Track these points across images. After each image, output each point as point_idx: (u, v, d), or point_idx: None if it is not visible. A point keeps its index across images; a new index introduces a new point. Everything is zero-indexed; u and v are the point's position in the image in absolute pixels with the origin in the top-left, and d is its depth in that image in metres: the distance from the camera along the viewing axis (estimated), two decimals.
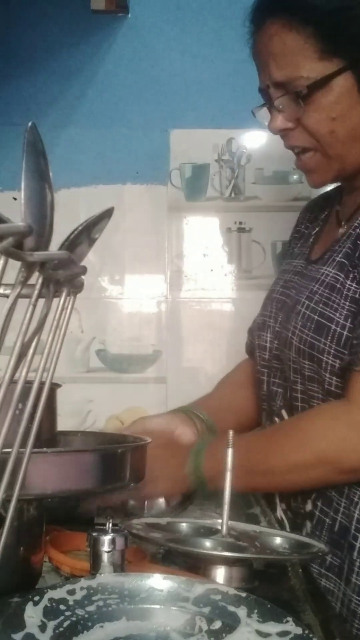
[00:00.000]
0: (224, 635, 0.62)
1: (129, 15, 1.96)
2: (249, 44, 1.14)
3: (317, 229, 1.26)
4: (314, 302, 1.09)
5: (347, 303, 1.06)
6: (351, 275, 1.07)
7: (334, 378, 1.07)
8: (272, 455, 1.08)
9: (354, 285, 1.07)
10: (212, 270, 1.96)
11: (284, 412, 1.19)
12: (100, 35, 1.96)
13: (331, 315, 1.07)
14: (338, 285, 1.08)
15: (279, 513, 1.20)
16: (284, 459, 1.07)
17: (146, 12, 1.97)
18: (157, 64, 1.97)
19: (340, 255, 1.10)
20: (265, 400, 1.23)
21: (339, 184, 1.24)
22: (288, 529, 1.16)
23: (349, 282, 1.07)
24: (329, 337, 1.06)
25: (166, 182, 1.97)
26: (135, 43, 1.97)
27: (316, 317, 1.08)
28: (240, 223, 1.96)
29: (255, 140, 1.96)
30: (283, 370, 1.18)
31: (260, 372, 1.24)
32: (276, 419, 1.20)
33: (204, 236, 1.97)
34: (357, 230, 1.10)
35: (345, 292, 1.07)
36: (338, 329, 1.06)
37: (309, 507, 1.13)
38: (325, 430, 1.05)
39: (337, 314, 1.06)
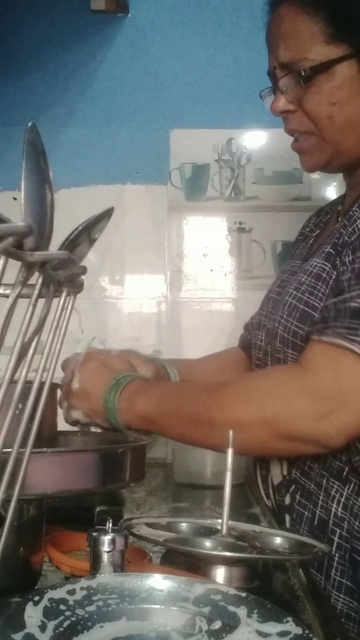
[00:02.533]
0: (224, 635, 0.62)
1: (129, 15, 1.96)
2: (265, 28, 1.13)
3: (318, 231, 1.27)
4: (301, 292, 1.09)
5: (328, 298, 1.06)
6: (337, 264, 1.07)
7: None
8: (216, 408, 1.03)
9: (333, 271, 1.06)
10: (212, 270, 1.96)
11: None
12: (100, 35, 1.97)
13: (315, 304, 1.06)
14: (324, 275, 1.07)
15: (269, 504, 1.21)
16: (226, 413, 1.02)
17: (146, 12, 1.97)
18: (157, 64, 1.97)
19: (329, 247, 1.10)
20: None
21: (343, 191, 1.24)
22: (279, 522, 1.16)
23: (334, 272, 1.07)
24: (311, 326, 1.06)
25: (166, 182, 1.97)
26: (135, 43, 1.97)
27: (301, 306, 1.08)
28: (240, 223, 1.96)
29: (255, 140, 1.96)
30: (267, 363, 1.18)
31: (254, 370, 1.24)
32: None
33: (204, 236, 1.97)
34: (345, 221, 1.10)
35: (330, 282, 1.06)
36: None
37: (287, 500, 1.13)
38: (272, 391, 1.02)
39: (322, 303, 1.05)
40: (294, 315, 1.08)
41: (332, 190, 1.92)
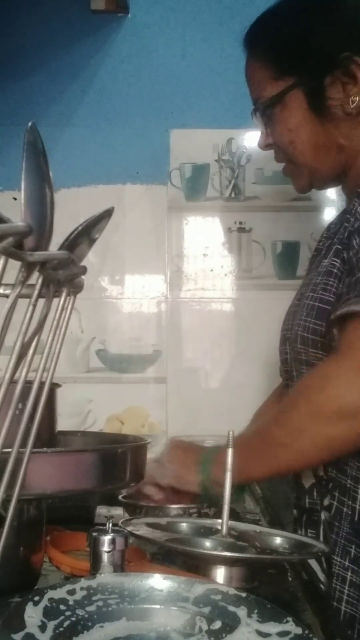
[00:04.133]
0: (224, 635, 0.62)
1: (129, 15, 1.96)
2: None
3: (329, 242, 1.28)
4: (316, 292, 1.13)
5: (343, 286, 1.09)
6: (344, 257, 1.10)
7: None
8: (276, 427, 1.08)
9: (345, 266, 1.10)
10: (212, 270, 1.96)
11: None
12: (100, 35, 1.96)
13: (329, 299, 1.10)
14: (335, 271, 1.11)
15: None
16: (286, 425, 1.07)
17: (146, 12, 1.97)
18: (157, 64, 1.97)
19: (336, 244, 1.14)
20: None
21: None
22: (301, 527, 1.16)
23: (345, 266, 1.10)
24: (328, 320, 1.09)
25: (166, 182, 1.97)
26: (135, 43, 1.97)
27: (317, 304, 1.12)
28: (240, 223, 1.96)
29: (255, 140, 1.95)
30: (292, 370, 1.20)
31: (285, 384, 1.27)
32: None
33: (204, 236, 1.97)
34: (348, 215, 1.14)
35: (341, 276, 1.10)
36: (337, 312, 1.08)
37: (327, 501, 1.13)
38: (318, 384, 1.05)
39: (336, 298, 1.09)
40: (312, 314, 1.12)
41: (331, 190, 1.91)
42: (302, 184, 1.25)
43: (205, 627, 0.64)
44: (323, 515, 1.14)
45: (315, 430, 1.04)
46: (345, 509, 1.10)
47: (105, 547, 0.75)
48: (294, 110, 1.17)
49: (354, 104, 1.12)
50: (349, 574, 1.07)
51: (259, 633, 0.62)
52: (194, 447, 1.21)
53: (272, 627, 0.63)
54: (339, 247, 1.12)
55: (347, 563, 1.07)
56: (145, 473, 1.14)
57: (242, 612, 0.65)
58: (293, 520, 1.21)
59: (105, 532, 0.76)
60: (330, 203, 1.93)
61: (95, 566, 0.75)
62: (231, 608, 0.65)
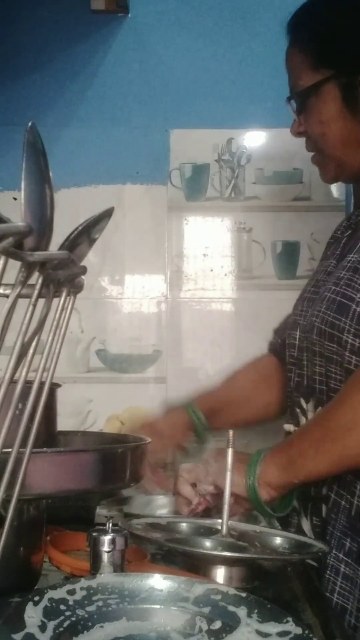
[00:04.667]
0: (224, 635, 0.63)
1: (129, 15, 1.96)
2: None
3: (350, 231, 1.29)
4: (339, 287, 1.14)
5: None
6: None
7: (354, 357, 1.09)
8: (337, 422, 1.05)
9: None
10: (212, 270, 1.96)
11: (302, 401, 1.19)
12: (100, 35, 1.96)
13: (352, 295, 1.11)
14: None
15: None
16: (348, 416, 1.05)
17: (146, 12, 1.96)
18: (157, 64, 1.97)
19: None
20: (289, 395, 1.26)
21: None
22: (307, 515, 1.16)
23: None
24: (349, 316, 1.10)
25: (166, 182, 1.97)
26: (135, 43, 1.97)
27: (339, 298, 1.13)
28: (240, 223, 1.96)
29: (255, 140, 1.95)
30: (302, 359, 1.20)
31: (288, 369, 1.27)
32: (297, 409, 1.21)
33: (204, 236, 1.97)
34: None
35: None
36: (358, 309, 1.09)
37: (324, 491, 1.13)
38: None
39: (359, 294, 1.10)
40: (332, 308, 1.13)
41: (332, 190, 1.92)
42: (329, 176, 1.26)
43: (205, 627, 0.64)
44: (323, 506, 1.14)
45: None
46: (343, 502, 1.10)
47: (105, 547, 0.75)
48: (328, 102, 1.18)
49: None
50: (343, 566, 1.08)
51: (259, 633, 0.62)
52: (244, 453, 1.15)
53: (272, 627, 0.63)
54: None
55: (341, 555, 1.09)
56: (185, 470, 1.11)
57: (242, 612, 0.65)
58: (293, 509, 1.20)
59: (105, 532, 0.76)
60: (331, 203, 1.93)
61: (95, 566, 0.75)
62: (231, 608, 0.65)
